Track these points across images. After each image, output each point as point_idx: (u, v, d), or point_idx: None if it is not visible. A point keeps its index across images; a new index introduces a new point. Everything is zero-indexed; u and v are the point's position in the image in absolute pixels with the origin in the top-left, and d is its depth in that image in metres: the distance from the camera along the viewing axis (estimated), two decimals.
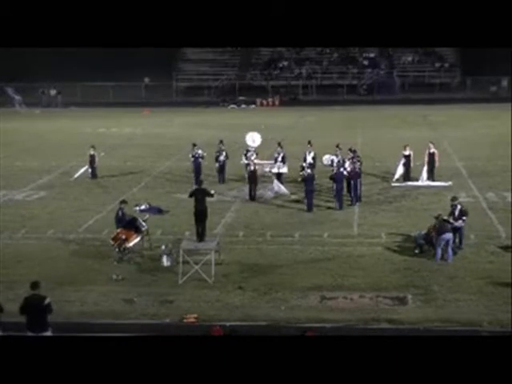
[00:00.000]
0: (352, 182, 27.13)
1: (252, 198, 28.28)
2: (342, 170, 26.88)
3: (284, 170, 30.88)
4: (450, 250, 20.67)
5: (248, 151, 31.22)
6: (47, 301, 14.23)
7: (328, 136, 39.75)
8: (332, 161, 28.94)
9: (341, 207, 26.46)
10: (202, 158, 31.14)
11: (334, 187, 26.81)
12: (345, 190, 27.25)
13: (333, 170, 27.64)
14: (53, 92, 67.86)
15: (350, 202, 27.01)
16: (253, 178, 28.43)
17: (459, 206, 21.70)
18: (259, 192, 28.57)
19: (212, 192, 22.20)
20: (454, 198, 22.14)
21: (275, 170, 30.91)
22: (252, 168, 28.51)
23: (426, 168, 30.39)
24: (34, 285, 14.44)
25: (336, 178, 26.63)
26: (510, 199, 27.31)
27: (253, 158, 30.25)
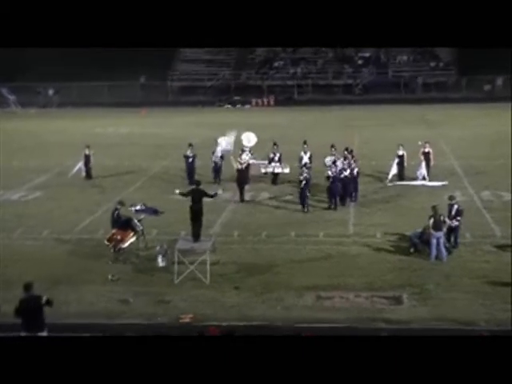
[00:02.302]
0: (348, 181, 27.14)
1: (242, 199, 28.09)
2: (337, 169, 26.90)
3: (286, 170, 30.82)
4: (442, 249, 20.72)
5: (243, 151, 31.22)
6: (45, 298, 14.23)
7: (324, 136, 39.77)
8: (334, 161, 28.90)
9: (336, 207, 26.51)
10: (193, 158, 31.00)
11: (330, 187, 26.78)
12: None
13: (329, 171, 27.62)
14: (50, 92, 67.75)
15: (345, 202, 27.05)
16: (241, 179, 28.22)
17: (456, 206, 21.73)
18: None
19: (212, 193, 22.08)
20: (451, 197, 22.15)
21: (278, 170, 30.84)
22: (240, 167, 28.33)
23: (423, 165, 30.42)
24: (28, 286, 14.38)
25: (332, 177, 26.61)
26: (505, 198, 27.32)
27: (246, 158, 30.21)
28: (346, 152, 28.94)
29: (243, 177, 28.53)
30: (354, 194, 27.48)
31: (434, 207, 21.04)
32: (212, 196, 22.09)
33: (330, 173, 26.62)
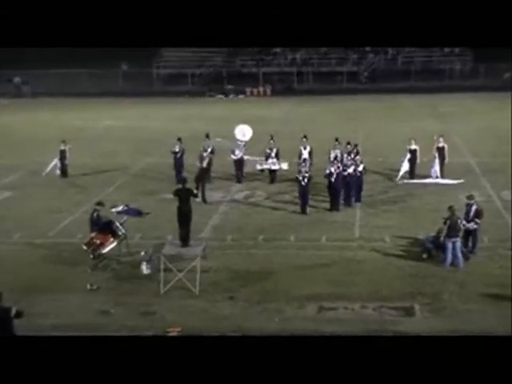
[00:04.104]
0: (351, 179, 27.13)
1: (204, 200, 27.79)
2: (340, 166, 26.90)
3: (284, 166, 30.89)
4: (459, 255, 20.74)
5: (237, 146, 31.26)
6: (14, 310, 14.19)
7: (326, 129, 39.86)
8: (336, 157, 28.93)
9: (339, 207, 26.52)
10: (181, 153, 30.93)
11: (332, 185, 26.75)
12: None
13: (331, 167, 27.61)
14: (16, 80, 67.71)
15: (350, 202, 27.08)
16: (201, 178, 28.01)
17: (475, 206, 21.69)
18: None
19: (195, 192, 22.18)
20: (470, 197, 22.08)
21: (275, 167, 30.85)
22: (204, 165, 28.33)
23: (437, 162, 30.45)
24: None
25: (335, 176, 26.57)
26: None
27: (240, 153, 30.13)
28: (349, 146, 29.00)
29: (203, 176, 28.24)
30: (358, 194, 27.46)
31: (450, 208, 21.03)
32: (196, 195, 22.13)
33: (332, 169, 26.54)
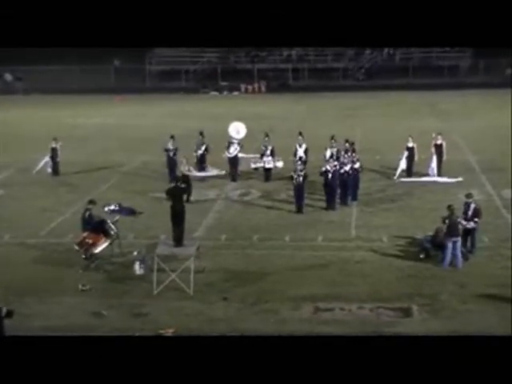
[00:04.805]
0: (348, 177, 27.14)
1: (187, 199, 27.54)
2: (337, 164, 26.92)
3: (279, 164, 30.90)
4: (458, 254, 20.76)
5: (231, 143, 31.27)
6: (5, 310, 14.24)
7: (322, 127, 39.86)
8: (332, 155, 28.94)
9: (335, 207, 26.54)
10: (174, 151, 30.87)
11: (329, 183, 26.78)
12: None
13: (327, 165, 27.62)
14: (8, 77, 67.52)
15: (346, 201, 27.10)
16: (184, 180, 27.72)
17: (473, 205, 21.71)
18: None
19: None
20: (468, 195, 22.08)
21: (270, 165, 30.84)
22: (186, 169, 28.22)
23: (435, 159, 30.49)
24: None
25: (332, 174, 26.60)
26: None
27: (235, 151, 30.15)
28: (347, 144, 29.02)
29: (188, 181, 27.98)
30: (354, 192, 27.46)
31: (449, 207, 21.05)
32: (188, 199, 22.06)
33: (328, 167, 26.54)
